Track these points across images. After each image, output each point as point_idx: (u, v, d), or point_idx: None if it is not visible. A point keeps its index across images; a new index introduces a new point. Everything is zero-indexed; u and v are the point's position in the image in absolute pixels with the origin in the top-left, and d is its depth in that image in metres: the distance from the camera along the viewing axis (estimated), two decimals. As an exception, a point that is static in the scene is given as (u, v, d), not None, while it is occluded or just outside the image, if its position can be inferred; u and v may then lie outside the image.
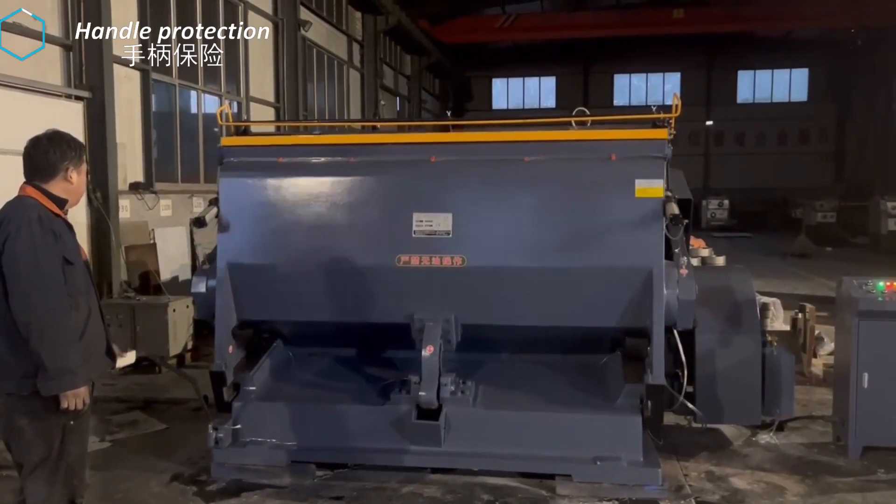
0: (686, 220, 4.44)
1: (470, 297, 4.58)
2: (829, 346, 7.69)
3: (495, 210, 4.57)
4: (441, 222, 4.56)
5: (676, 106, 4.58)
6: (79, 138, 3.26)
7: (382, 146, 5.01)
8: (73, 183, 3.14)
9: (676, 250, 4.54)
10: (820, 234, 20.96)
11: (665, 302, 4.37)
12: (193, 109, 11.65)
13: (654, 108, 4.74)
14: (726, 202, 28.40)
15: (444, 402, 4.52)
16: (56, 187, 3.11)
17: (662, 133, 4.58)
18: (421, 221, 4.58)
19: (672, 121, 4.65)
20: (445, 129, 4.98)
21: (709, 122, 32.83)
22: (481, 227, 4.55)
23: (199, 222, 4.71)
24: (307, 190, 4.76)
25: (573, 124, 4.94)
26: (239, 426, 4.72)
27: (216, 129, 11.67)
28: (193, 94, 11.49)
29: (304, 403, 4.76)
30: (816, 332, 7.40)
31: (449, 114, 6.11)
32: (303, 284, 4.75)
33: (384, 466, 4.62)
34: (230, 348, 4.77)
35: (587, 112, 5.06)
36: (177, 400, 6.38)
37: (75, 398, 3.02)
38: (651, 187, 4.43)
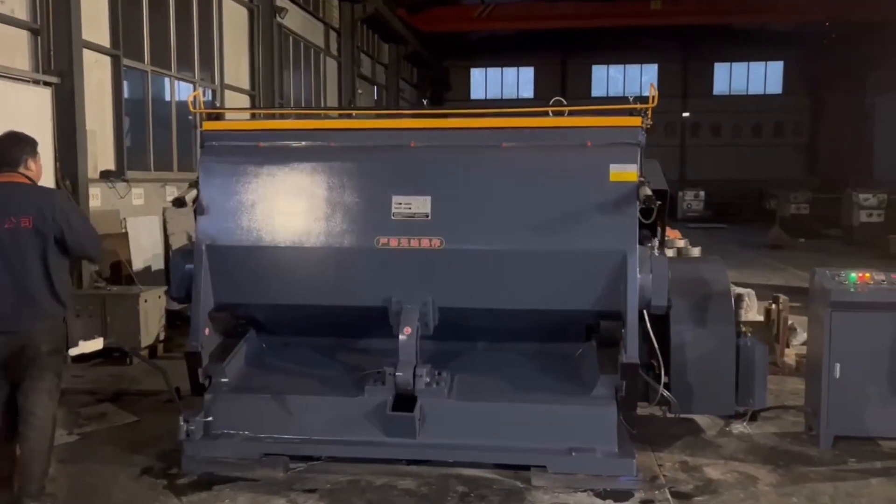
0: (659, 202, 4.54)
1: (448, 280, 4.61)
2: (801, 336, 7.75)
3: (473, 194, 4.63)
4: (420, 205, 4.60)
5: (654, 96, 4.59)
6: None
7: (363, 131, 5.05)
8: (32, 170, 3.99)
9: (649, 233, 4.60)
10: (794, 225, 21.19)
11: (639, 284, 4.44)
12: (167, 96, 11.46)
13: (631, 99, 4.75)
14: (702, 193, 28.64)
15: (419, 393, 4.50)
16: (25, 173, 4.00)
17: (636, 121, 4.67)
18: (400, 204, 4.62)
19: (649, 111, 4.66)
20: (423, 117, 4.95)
21: (685, 114, 33.05)
22: (459, 210, 4.61)
23: (179, 202, 4.77)
24: (287, 173, 4.80)
25: (550, 114, 4.95)
26: (210, 418, 4.65)
27: (190, 118, 11.58)
28: (167, 80, 11.30)
29: (277, 395, 4.70)
30: (789, 322, 7.47)
31: (425, 102, 6.03)
32: (281, 267, 4.77)
33: (358, 458, 4.58)
34: (206, 330, 4.76)
35: (564, 102, 5.06)
36: (147, 392, 6.28)
37: None
38: (625, 172, 4.53)
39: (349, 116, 5.76)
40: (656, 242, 4.65)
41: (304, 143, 4.90)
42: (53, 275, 3.87)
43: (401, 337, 4.48)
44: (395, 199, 4.63)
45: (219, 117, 5.10)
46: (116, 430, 5.43)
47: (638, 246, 4.49)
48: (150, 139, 10.75)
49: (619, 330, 4.51)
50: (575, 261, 4.53)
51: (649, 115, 4.71)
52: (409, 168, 4.74)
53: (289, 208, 4.76)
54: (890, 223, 18.17)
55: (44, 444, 3.87)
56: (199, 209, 4.81)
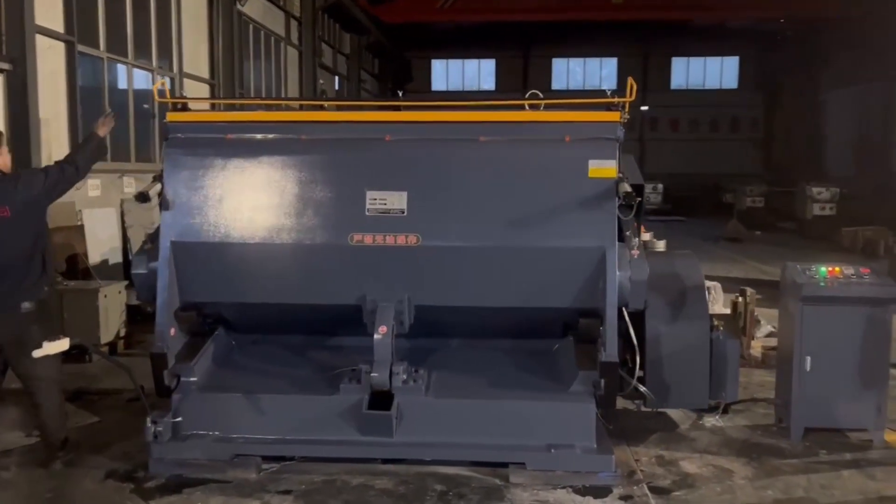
0: (639, 199, 4.53)
1: (424, 277, 4.53)
2: (765, 328, 7.88)
3: (450, 189, 4.54)
4: (395, 201, 4.50)
5: (632, 87, 4.55)
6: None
7: (335, 124, 4.91)
8: (2, 155, 4.40)
9: (628, 232, 4.57)
10: (750, 218, 21.60)
11: (617, 282, 4.40)
12: (123, 84, 11.10)
13: (608, 93, 4.72)
14: (660, 186, 28.95)
15: (396, 391, 4.42)
16: None
17: (615, 116, 4.62)
18: (375, 199, 4.50)
19: (626, 105, 4.63)
20: (397, 109, 4.84)
21: (644, 108, 33.41)
22: (436, 206, 4.51)
23: (142, 197, 4.60)
24: (257, 167, 4.64)
25: (527, 107, 4.88)
26: (179, 419, 4.51)
27: (146, 106, 11.24)
28: (123, 68, 10.95)
29: (248, 394, 4.57)
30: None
31: (401, 94, 5.91)
32: (251, 264, 4.62)
33: (333, 458, 4.48)
34: (172, 331, 4.60)
35: (540, 95, 5.00)
36: (109, 390, 6.07)
37: None
38: (604, 168, 4.49)
39: (321, 108, 5.58)
40: (637, 241, 4.60)
41: (273, 135, 4.74)
42: (36, 257, 4.34)
43: (376, 336, 4.38)
44: (370, 194, 4.51)
45: (185, 107, 4.90)
46: (77, 430, 5.20)
47: (617, 243, 4.46)
48: (107, 128, 10.38)
49: (598, 328, 4.48)
50: (554, 258, 4.48)
51: (626, 109, 4.69)
52: (383, 163, 4.62)
53: (258, 203, 4.60)
54: (842, 216, 18.65)
55: (55, 404, 4.55)
56: (163, 204, 4.62)
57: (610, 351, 4.38)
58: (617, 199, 4.43)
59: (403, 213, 4.49)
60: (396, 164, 4.61)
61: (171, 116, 4.82)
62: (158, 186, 4.65)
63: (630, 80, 4.66)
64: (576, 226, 4.48)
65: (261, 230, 4.59)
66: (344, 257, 4.53)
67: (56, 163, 4.60)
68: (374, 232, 4.48)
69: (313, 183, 4.59)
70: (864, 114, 24.73)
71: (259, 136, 4.73)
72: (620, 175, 4.52)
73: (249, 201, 4.61)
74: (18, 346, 4.33)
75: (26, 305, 4.34)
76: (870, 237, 15.56)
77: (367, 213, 4.50)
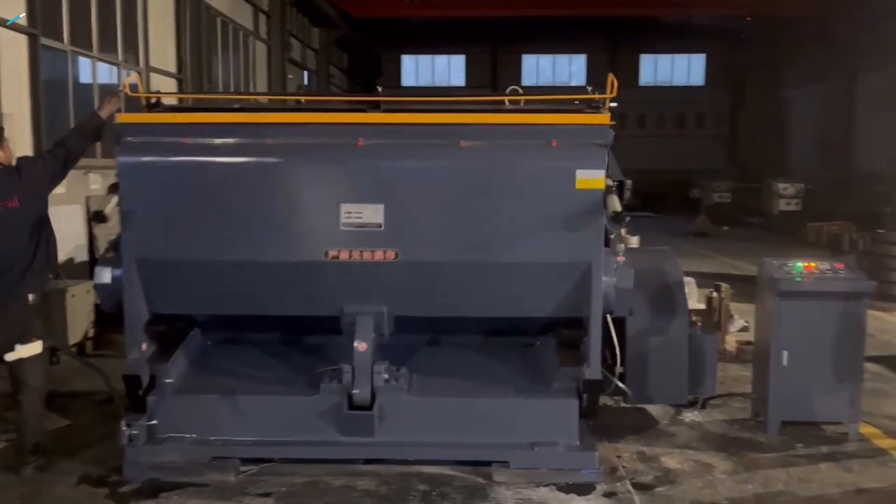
0: (627, 218, 4.35)
1: (403, 291, 4.39)
2: (738, 322, 7.97)
3: (430, 200, 4.32)
4: (371, 214, 4.27)
5: (613, 83, 4.53)
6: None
7: (305, 126, 4.50)
8: (3, 149, 4.40)
9: (613, 235, 4.54)
10: (717, 213, 21.85)
11: (602, 291, 4.34)
12: (88, 79, 10.83)
13: (589, 89, 4.70)
14: (629, 182, 29.10)
15: (377, 390, 4.36)
16: None
17: (605, 118, 4.43)
18: (350, 213, 4.28)
19: (607, 101, 4.61)
20: (376, 104, 4.67)
21: (612, 104, 33.61)
22: (415, 218, 4.31)
23: (99, 217, 4.32)
24: (220, 175, 4.33)
25: (507, 103, 4.84)
26: (155, 422, 4.40)
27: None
28: (87, 62, 10.67)
29: (225, 395, 4.48)
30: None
31: (380, 89, 5.73)
32: (220, 281, 4.41)
33: (314, 459, 4.41)
34: (143, 346, 4.44)
35: (520, 91, 4.97)
36: (79, 393, 5.91)
37: None
38: (592, 178, 4.27)
39: (298, 101, 5.38)
40: (622, 247, 4.48)
41: (238, 139, 4.34)
42: (41, 246, 4.34)
43: (356, 348, 4.29)
44: (344, 207, 4.27)
45: (158, 103, 4.75)
46: (48, 434, 5.07)
47: (604, 254, 4.36)
48: (72, 123, 10.13)
49: (580, 336, 4.46)
50: (537, 272, 4.36)
51: (607, 106, 4.67)
52: (358, 172, 4.34)
53: (225, 216, 4.32)
54: (806, 212, 18.98)
55: (37, 408, 4.47)
56: (122, 219, 4.33)
57: (594, 367, 4.35)
58: (605, 212, 4.27)
59: (380, 227, 4.28)
60: (372, 173, 4.33)
61: (123, 118, 4.47)
62: (115, 200, 4.37)
63: (611, 77, 4.65)
64: (561, 241, 4.29)
65: (230, 246, 4.33)
66: (319, 273, 4.36)
67: (49, 150, 4.52)
68: (350, 247, 4.29)
69: (284, 194, 4.32)
70: (826, 111, 25.19)
71: (222, 140, 4.35)
72: (609, 184, 4.34)
73: (215, 214, 4.32)
74: (19, 337, 4.30)
75: (32, 297, 4.32)
76: (834, 232, 15.84)
77: (342, 228, 4.28)
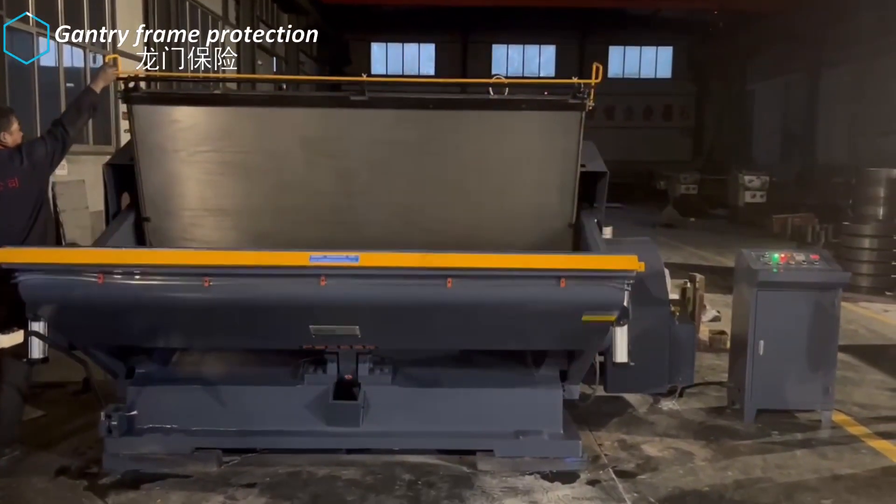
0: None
1: (388, 334, 4.23)
2: (710, 312, 8.10)
3: (414, 337, 4.28)
4: (346, 330, 4.03)
5: (598, 69, 4.54)
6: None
7: (251, 269, 3.74)
8: (8, 139, 4.42)
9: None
10: (683, 205, 22.14)
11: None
12: (52, 62, 10.55)
13: (574, 78, 4.70)
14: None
15: (362, 380, 4.36)
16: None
17: (632, 262, 3.89)
18: (320, 329, 4.02)
19: (592, 90, 4.63)
20: (361, 90, 4.59)
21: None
22: (394, 335, 4.21)
23: None
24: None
25: (490, 91, 4.83)
26: (135, 412, 4.33)
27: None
28: (53, 44, 10.39)
29: (208, 385, 4.43)
30: (701, 300, 7.75)
31: (364, 76, 5.55)
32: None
33: (297, 449, 4.39)
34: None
35: (503, 78, 4.96)
36: (52, 383, 5.75)
37: None
38: (601, 316, 3.97)
39: (280, 89, 5.29)
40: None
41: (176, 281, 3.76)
42: (38, 226, 4.39)
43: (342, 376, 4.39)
44: (314, 328, 3.98)
45: (137, 87, 4.63)
46: (22, 426, 4.96)
47: None
48: (38, 109, 9.87)
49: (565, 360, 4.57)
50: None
51: (591, 95, 4.69)
52: (326, 315, 3.93)
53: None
54: (771, 203, 19.32)
55: (16, 401, 4.43)
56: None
57: (572, 389, 4.58)
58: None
59: (357, 335, 4.06)
60: (343, 312, 3.91)
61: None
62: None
63: (596, 64, 4.65)
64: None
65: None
66: (297, 343, 4.38)
67: (48, 130, 4.54)
68: (325, 343, 4.26)
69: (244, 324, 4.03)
70: (790, 104, 25.67)
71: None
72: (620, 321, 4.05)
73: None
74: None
75: None
76: (798, 224, 16.16)
77: (313, 336, 4.05)
